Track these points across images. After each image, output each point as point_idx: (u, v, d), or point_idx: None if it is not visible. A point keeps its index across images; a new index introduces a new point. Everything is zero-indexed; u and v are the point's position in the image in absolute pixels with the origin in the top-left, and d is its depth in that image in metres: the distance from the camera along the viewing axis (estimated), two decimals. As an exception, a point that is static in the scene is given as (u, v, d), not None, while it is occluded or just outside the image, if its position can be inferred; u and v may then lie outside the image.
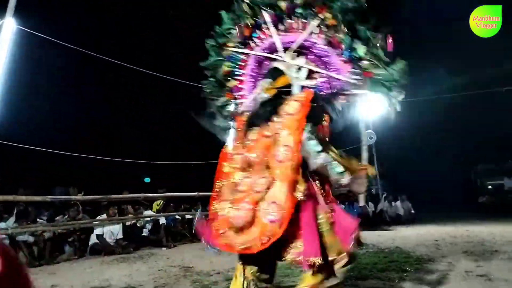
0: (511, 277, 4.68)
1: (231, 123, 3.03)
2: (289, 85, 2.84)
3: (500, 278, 4.71)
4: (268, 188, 2.48)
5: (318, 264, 2.37)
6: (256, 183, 2.52)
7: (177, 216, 10.00)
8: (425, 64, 15.94)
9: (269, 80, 2.84)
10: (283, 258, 2.55)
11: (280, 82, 2.82)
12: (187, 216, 10.24)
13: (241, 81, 3.36)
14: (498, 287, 4.34)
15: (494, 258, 6.02)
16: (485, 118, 21.11)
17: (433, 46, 21.86)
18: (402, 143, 24.57)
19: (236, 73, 3.36)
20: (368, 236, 9.22)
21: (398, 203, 12.75)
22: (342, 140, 15.56)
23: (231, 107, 3.33)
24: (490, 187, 19.05)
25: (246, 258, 2.62)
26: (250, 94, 3.29)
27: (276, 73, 2.89)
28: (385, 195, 13.06)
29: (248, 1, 3.09)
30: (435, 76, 17.22)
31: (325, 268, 2.50)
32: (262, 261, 2.58)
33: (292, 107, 2.58)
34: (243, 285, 2.59)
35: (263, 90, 2.81)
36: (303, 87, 2.88)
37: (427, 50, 21.26)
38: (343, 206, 12.56)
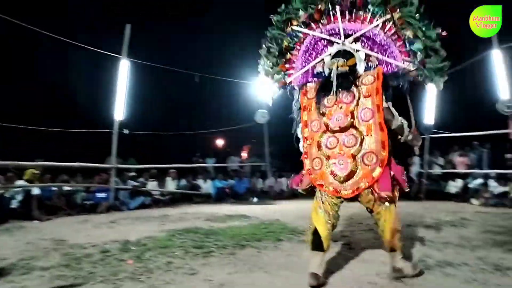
0: (368, 245, 5.26)
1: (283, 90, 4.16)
2: (354, 65, 3.56)
3: (359, 245, 5.29)
4: (357, 143, 3.30)
5: (389, 197, 3.28)
6: (345, 140, 3.35)
7: (53, 188, 9.20)
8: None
9: (342, 59, 3.49)
10: (359, 199, 3.44)
11: (350, 61, 3.51)
12: (65, 188, 9.46)
13: (295, 56, 4.08)
14: (358, 254, 4.83)
15: (356, 228, 6.73)
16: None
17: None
18: (290, 123, 25.99)
19: (292, 48, 4.08)
20: (252, 209, 9.63)
21: (284, 179, 13.48)
22: (238, 118, 16.01)
23: (280, 76, 4.12)
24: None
25: (329, 198, 3.47)
26: (300, 69, 4.04)
27: (346, 55, 3.54)
28: (272, 171, 13.68)
29: None
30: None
31: (394, 203, 3.47)
32: (339, 202, 3.49)
33: (368, 79, 3.38)
34: (325, 218, 3.45)
35: (339, 66, 3.46)
36: (366, 68, 3.64)
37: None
38: (234, 181, 12.88)
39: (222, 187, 12.39)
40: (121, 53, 10.23)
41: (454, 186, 12.34)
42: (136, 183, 10.78)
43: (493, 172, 11.41)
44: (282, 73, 4.12)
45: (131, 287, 3.55)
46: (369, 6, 3.71)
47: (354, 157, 3.30)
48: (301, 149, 3.77)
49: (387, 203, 3.39)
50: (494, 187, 10.70)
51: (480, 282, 3.59)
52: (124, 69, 10.25)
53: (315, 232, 3.49)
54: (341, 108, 3.40)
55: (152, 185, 11.20)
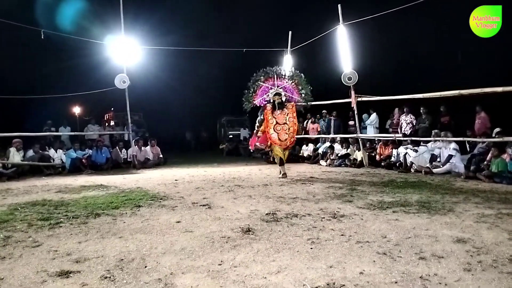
0: (226, 205, 5.48)
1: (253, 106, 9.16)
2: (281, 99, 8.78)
3: (218, 204, 5.49)
4: (288, 129, 8.63)
5: (289, 147, 9.08)
6: (284, 127, 8.62)
7: None
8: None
9: (277, 95, 8.71)
10: (285, 147, 8.80)
11: (280, 97, 8.72)
12: None
13: (257, 93, 8.97)
14: (216, 213, 5.00)
15: (218, 190, 6.96)
16: (230, 75, 23.83)
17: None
18: (157, 93, 25.36)
19: (256, 90, 9.02)
20: (112, 179, 9.16)
21: (148, 147, 13.08)
22: (97, 81, 14.81)
23: (251, 101, 9.04)
24: (231, 136, 21.86)
25: (279, 147, 8.68)
26: (259, 100, 8.97)
27: (278, 94, 8.74)
28: (135, 139, 13.11)
29: (267, 71, 9.02)
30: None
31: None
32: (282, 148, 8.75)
33: (289, 105, 8.78)
34: (280, 152, 8.67)
35: (277, 98, 8.69)
36: (286, 100, 8.86)
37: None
38: (91, 151, 12.01)
39: (78, 157, 11.42)
40: None
41: (306, 150, 13.63)
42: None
43: (338, 136, 12.91)
44: (253, 99, 9.06)
45: (-46, 268, 3.07)
46: (286, 77, 9.04)
47: (287, 133, 8.63)
48: (256, 129, 9.10)
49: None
50: (339, 150, 12.15)
51: (319, 228, 4.06)
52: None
53: (280, 159, 8.77)
54: (281, 115, 8.70)
55: (-10, 157, 9.73)
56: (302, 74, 9.01)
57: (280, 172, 8.64)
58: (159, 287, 2.60)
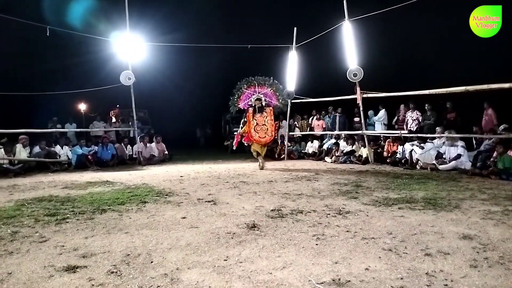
0: (231, 201, 5.49)
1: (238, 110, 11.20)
2: (262, 103, 10.33)
3: (223, 201, 5.50)
4: (267, 129, 10.06)
5: (268, 144, 10.68)
6: (263, 128, 10.05)
7: None
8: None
9: (258, 100, 10.25)
10: (264, 145, 10.38)
11: (261, 102, 10.27)
12: None
13: (241, 98, 10.82)
14: (221, 209, 5.01)
15: (223, 187, 6.97)
16: (235, 72, 23.78)
17: None
18: (162, 90, 25.44)
19: (240, 95, 10.89)
20: (118, 176, 9.20)
21: (153, 144, 13.10)
22: (102, 78, 14.85)
23: (236, 104, 10.95)
24: (235, 133, 21.83)
25: (258, 144, 10.21)
26: (243, 104, 10.77)
27: (259, 99, 10.30)
28: (141, 136, 13.14)
29: (249, 80, 10.90)
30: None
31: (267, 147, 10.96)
32: (262, 145, 10.30)
33: (268, 109, 10.30)
34: (258, 148, 10.19)
35: (258, 102, 10.24)
36: (266, 104, 10.46)
37: None
38: (97, 147, 12.07)
39: (83, 154, 11.48)
40: None
41: (311, 146, 13.61)
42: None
43: (343, 133, 12.87)
44: (237, 103, 10.85)
45: (-38, 262, 3.10)
46: (266, 85, 10.82)
47: (265, 133, 10.06)
48: (240, 130, 10.34)
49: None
50: (344, 146, 12.11)
51: (324, 225, 4.06)
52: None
53: (257, 152, 10.23)
54: (261, 117, 10.10)
55: (-3, 153, 9.80)
56: (278, 83, 11.17)
57: (259, 164, 10.26)
58: (165, 282, 2.61)
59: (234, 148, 11.44)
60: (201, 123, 26.02)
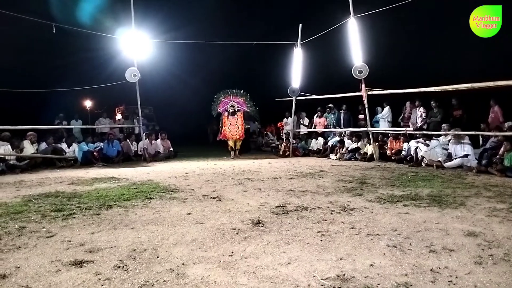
0: (236, 198, 5.51)
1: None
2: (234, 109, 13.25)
3: (228, 197, 5.53)
4: (238, 127, 13.07)
5: (239, 139, 13.34)
6: (236, 127, 13.06)
7: None
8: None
9: (232, 107, 13.19)
10: (236, 140, 13.26)
11: (232, 108, 13.22)
12: None
13: (220, 104, 13.50)
14: (226, 205, 5.03)
15: (228, 183, 6.99)
16: (240, 69, 23.78)
17: None
18: (168, 87, 25.48)
19: (219, 103, 13.63)
20: (123, 172, 9.25)
21: (158, 141, 13.15)
22: (108, 75, 14.90)
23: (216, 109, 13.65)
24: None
25: (232, 140, 13.20)
26: (221, 109, 13.44)
27: (233, 106, 13.23)
28: (146, 133, 13.21)
29: (225, 91, 13.63)
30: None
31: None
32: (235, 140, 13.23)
33: (239, 113, 13.23)
34: (232, 143, 13.15)
35: (231, 108, 13.15)
36: (238, 109, 13.34)
37: None
38: (103, 144, 12.14)
39: (89, 150, 11.55)
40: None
41: (316, 143, 13.61)
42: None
43: (348, 130, 12.85)
44: (217, 108, 13.52)
45: (-29, 256, 3.15)
46: (239, 96, 13.50)
47: (237, 131, 13.08)
48: (221, 129, 13.41)
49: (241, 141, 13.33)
50: (349, 143, 12.10)
51: (329, 221, 4.07)
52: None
53: (230, 147, 13.16)
54: (233, 119, 13.08)
55: (4, 149, 9.87)
56: (248, 94, 13.70)
57: (231, 154, 13.13)
58: (171, 277, 2.64)
59: (218, 139, 14.16)
60: (208, 120, 26.07)
